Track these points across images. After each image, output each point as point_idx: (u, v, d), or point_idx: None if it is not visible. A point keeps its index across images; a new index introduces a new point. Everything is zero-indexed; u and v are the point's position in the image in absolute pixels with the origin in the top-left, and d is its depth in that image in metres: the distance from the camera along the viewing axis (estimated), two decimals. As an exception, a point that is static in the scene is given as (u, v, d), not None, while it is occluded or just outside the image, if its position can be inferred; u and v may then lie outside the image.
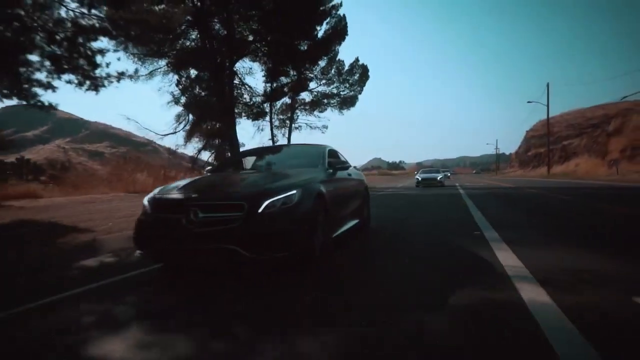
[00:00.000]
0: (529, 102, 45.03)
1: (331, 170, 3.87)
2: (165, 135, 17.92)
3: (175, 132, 17.89)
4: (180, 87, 18.14)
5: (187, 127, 18.31)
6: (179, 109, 18.16)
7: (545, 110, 35.40)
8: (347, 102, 19.69)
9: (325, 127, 20.55)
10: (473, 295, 2.19)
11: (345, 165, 4.25)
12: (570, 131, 54.17)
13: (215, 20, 17.17)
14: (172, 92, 17.90)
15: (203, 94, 18.24)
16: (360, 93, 20.08)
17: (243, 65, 17.87)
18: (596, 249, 3.38)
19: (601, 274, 2.52)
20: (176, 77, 17.86)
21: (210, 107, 17.57)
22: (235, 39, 16.76)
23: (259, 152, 5.29)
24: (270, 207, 2.66)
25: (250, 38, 17.39)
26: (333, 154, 4.50)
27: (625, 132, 25.22)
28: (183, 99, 18.16)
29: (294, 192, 2.81)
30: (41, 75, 6.19)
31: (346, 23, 18.32)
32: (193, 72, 18.21)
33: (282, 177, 3.24)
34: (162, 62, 17.45)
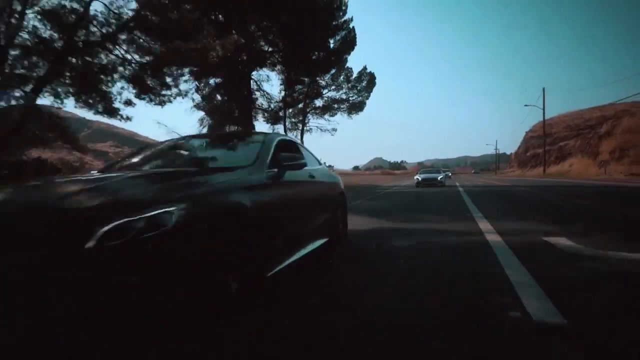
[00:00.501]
0: (526, 105, 46.66)
1: (275, 170, 2.64)
2: (190, 137, 19.61)
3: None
4: (200, 93, 19.87)
5: (209, 130, 20.06)
6: (201, 113, 19.89)
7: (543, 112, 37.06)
8: (356, 107, 21.43)
9: (335, 129, 22.29)
10: (461, 238, 3.88)
11: (298, 163, 2.86)
12: (568, 132, 55.74)
13: (234, 32, 18.89)
14: (192, 97, 19.62)
15: (221, 99, 19.99)
16: (367, 98, 21.84)
17: (260, 73, 19.58)
18: (545, 222, 5.04)
19: (537, 231, 4.19)
20: (195, 83, 19.60)
21: (230, 112, 19.30)
22: (253, 50, 18.48)
23: (172, 145, 3.54)
24: (115, 236, 1.51)
25: (268, 49, 19.12)
26: (288, 146, 3.21)
27: (615, 134, 26.90)
28: (204, 104, 19.90)
29: (170, 209, 1.64)
30: (129, 95, 7.95)
31: (355, 34, 20.03)
32: (213, 80, 19.97)
33: (160, 182, 2.13)
34: (186, 70, 19.22)
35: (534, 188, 14.42)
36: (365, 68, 21.45)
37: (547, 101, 37.36)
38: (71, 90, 7.54)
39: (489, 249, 3.23)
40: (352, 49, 20.28)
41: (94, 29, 7.45)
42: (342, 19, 18.69)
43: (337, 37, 19.15)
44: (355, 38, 20.18)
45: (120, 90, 7.97)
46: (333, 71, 20.26)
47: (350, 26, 19.53)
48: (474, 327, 1.64)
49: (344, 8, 18.51)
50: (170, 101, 8.72)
